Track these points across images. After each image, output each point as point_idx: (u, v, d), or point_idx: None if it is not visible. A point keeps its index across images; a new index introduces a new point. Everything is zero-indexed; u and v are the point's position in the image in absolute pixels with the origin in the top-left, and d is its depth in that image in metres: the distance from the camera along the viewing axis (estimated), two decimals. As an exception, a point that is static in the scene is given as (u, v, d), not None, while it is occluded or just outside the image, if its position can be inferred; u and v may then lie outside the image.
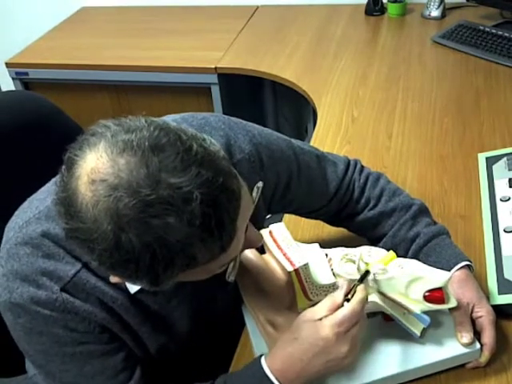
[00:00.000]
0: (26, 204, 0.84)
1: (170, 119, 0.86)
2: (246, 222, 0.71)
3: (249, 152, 0.90)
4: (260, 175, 0.91)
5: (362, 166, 1.07)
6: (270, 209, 1.00)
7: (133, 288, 0.82)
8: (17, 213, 0.84)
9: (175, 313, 0.89)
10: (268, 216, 0.99)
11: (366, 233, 1.06)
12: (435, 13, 2.15)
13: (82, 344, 0.81)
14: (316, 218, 1.11)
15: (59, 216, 0.65)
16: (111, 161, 0.60)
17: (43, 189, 0.84)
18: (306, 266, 0.82)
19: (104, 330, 0.82)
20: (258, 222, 0.98)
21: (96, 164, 0.61)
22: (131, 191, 0.59)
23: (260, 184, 0.77)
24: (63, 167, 0.64)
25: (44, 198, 0.81)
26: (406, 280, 0.85)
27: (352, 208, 1.04)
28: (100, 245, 0.61)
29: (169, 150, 0.61)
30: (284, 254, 0.83)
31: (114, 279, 0.72)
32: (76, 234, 0.63)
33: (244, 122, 0.95)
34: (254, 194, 0.76)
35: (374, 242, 1.03)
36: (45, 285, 0.77)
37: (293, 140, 1.01)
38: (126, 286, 0.81)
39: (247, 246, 0.76)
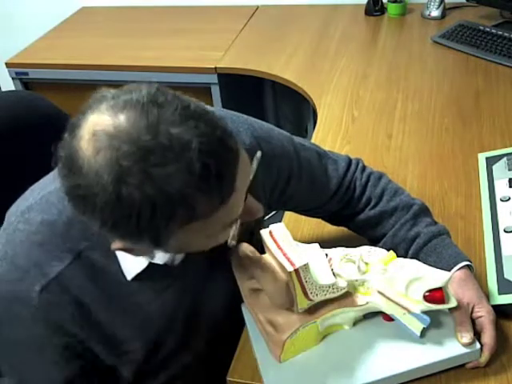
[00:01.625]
0: (27, 192, 0.85)
1: None
2: (246, 187, 0.71)
3: (249, 144, 0.90)
4: (261, 168, 0.91)
5: (364, 166, 1.07)
6: (271, 205, 1.00)
7: (130, 273, 0.82)
8: (18, 200, 0.84)
9: (166, 309, 0.89)
10: (269, 215, 0.99)
11: (366, 232, 1.06)
12: (435, 13, 2.15)
13: (39, 347, 0.82)
14: (316, 216, 1.11)
15: (61, 178, 0.65)
16: (113, 116, 0.62)
17: (44, 178, 0.85)
18: (306, 266, 0.82)
19: (67, 348, 0.83)
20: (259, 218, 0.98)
21: (97, 121, 0.62)
22: (131, 140, 0.60)
23: (259, 154, 0.77)
24: (66, 134, 0.65)
25: (46, 184, 0.83)
26: (406, 280, 0.85)
27: (353, 207, 1.04)
28: (101, 199, 0.62)
29: (167, 106, 0.63)
30: (284, 254, 0.83)
31: (115, 245, 0.71)
32: (78, 192, 0.63)
33: (245, 116, 0.96)
34: (254, 164, 0.75)
35: (374, 241, 1.03)
36: (29, 278, 0.78)
37: (294, 136, 1.02)
38: (121, 272, 0.82)
39: (247, 214, 0.75)
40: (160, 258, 0.81)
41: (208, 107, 0.68)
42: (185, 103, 0.64)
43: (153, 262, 0.81)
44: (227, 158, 0.65)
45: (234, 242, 0.74)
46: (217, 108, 0.94)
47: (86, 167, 0.62)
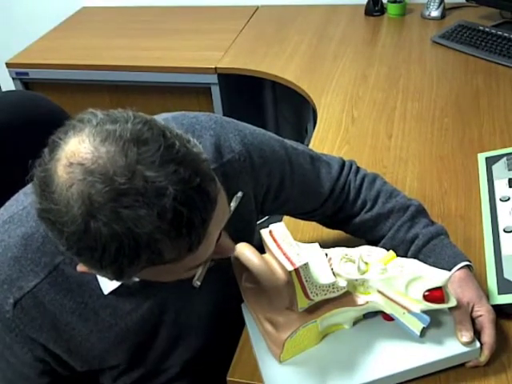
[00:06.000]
0: (14, 196, 0.85)
1: (162, 118, 0.86)
2: (220, 229, 0.71)
3: (239, 152, 0.90)
4: (251, 175, 0.91)
5: (358, 167, 1.06)
6: (264, 210, 1.00)
7: (107, 288, 0.82)
8: (6, 204, 0.84)
9: (149, 317, 0.89)
10: (262, 220, 0.99)
11: (363, 235, 1.06)
12: (435, 13, 2.15)
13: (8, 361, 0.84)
14: (312, 220, 1.10)
15: (35, 195, 0.65)
16: (92, 147, 0.61)
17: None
18: (306, 265, 0.82)
19: (39, 361, 0.84)
20: (251, 224, 0.97)
21: (77, 148, 0.61)
22: (106, 178, 0.59)
23: (239, 194, 0.76)
24: (46, 149, 0.64)
25: (30, 192, 0.82)
26: (406, 279, 0.85)
27: (348, 210, 1.04)
28: (69, 228, 0.61)
29: (150, 145, 0.61)
30: (284, 254, 0.83)
31: (80, 268, 0.71)
32: (48, 215, 0.63)
33: (236, 121, 0.95)
34: (233, 203, 0.75)
35: (373, 244, 1.02)
36: (3, 291, 0.78)
37: (286, 140, 1.01)
38: (99, 285, 0.81)
39: (218, 254, 0.74)
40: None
41: (196, 147, 0.66)
42: (169, 142, 0.63)
43: None
44: (202, 206, 0.64)
45: (198, 283, 0.73)
46: (208, 113, 0.93)
47: (58, 194, 0.61)
